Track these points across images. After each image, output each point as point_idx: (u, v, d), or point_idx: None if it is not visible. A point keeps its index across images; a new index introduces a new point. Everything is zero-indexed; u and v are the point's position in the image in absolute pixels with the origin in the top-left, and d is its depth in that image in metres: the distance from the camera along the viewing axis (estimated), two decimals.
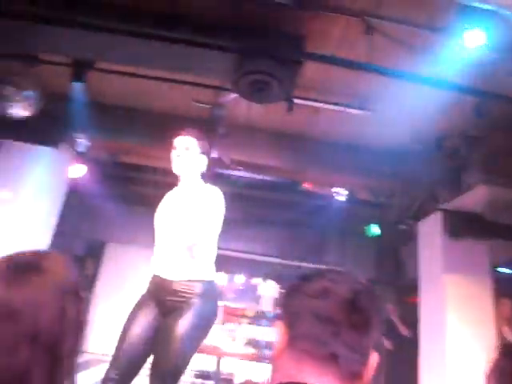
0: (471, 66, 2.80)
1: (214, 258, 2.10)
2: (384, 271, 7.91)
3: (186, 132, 2.28)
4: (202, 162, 2.28)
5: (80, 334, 0.88)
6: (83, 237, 7.50)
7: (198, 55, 3.01)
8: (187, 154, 2.23)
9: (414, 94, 3.44)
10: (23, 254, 0.92)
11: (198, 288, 1.94)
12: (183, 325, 1.84)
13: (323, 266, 8.09)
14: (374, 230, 6.31)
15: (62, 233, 4.67)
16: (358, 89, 3.53)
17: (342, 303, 0.77)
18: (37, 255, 0.93)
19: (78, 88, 3.38)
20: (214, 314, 2.04)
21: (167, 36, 2.91)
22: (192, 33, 2.91)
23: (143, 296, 2.04)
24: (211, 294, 2.01)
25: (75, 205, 3.28)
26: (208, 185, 2.25)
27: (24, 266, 0.87)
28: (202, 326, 1.94)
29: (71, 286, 0.94)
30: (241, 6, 2.80)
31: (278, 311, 0.90)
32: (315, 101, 3.73)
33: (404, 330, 6.10)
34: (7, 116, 3.31)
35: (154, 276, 2.03)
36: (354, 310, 0.76)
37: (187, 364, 1.89)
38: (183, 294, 1.92)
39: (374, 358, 0.78)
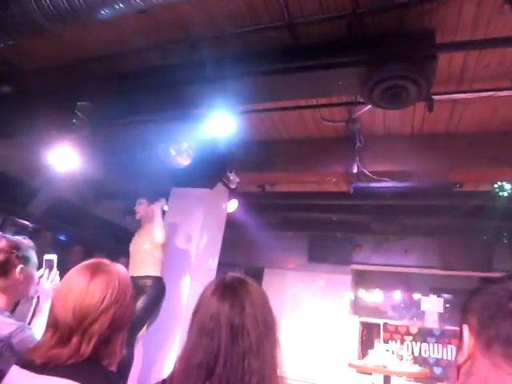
0: None
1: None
2: None
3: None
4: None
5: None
6: (240, 265, 8.15)
7: (325, 77, 3.09)
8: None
9: None
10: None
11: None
12: None
13: (494, 274, 7.09)
14: None
15: (222, 264, 5.17)
16: (508, 67, 3.15)
17: None
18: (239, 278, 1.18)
19: (225, 132, 3.77)
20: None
21: (293, 66, 3.06)
22: (317, 58, 3.02)
23: None
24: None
25: (232, 237, 3.71)
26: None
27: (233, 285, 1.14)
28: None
29: None
30: (359, 19, 2.80)
31: (462, 313, 0.85)
32: (458, 92, 3.44)
33: None
34: (173, 167, 3.94)
35: None
36: None
37: None
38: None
39: None
